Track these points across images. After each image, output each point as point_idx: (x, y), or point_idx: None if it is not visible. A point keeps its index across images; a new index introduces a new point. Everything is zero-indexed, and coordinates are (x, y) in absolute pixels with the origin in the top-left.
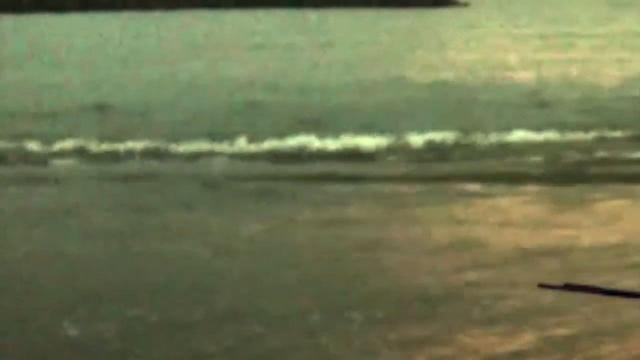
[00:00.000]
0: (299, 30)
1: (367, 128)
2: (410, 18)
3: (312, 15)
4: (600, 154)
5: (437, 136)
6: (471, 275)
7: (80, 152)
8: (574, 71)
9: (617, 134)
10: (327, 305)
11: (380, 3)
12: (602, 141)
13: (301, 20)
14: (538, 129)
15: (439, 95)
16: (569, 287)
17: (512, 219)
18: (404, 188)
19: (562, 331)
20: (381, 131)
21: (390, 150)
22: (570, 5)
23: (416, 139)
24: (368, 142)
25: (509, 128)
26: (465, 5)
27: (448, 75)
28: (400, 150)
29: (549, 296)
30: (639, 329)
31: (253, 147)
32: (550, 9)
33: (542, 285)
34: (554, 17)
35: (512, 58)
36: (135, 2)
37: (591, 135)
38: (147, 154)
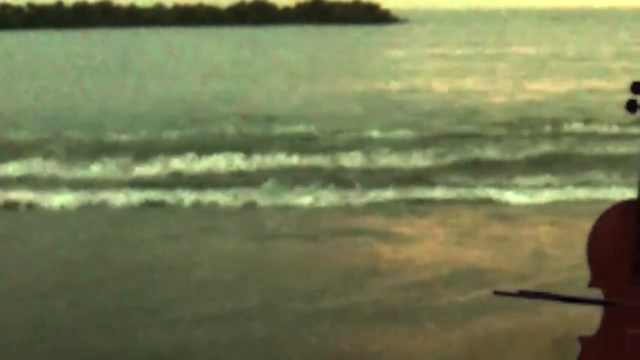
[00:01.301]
0: (243, 47)
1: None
2: (348, 34)
3: (257, 32)
4: None
5: None
6: None
7: None
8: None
9: None
10: None
11: (321, 20)
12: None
13: (245, 37)
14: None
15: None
16: (524, 294)
17: None
18: None
19: None
20: None
21: None
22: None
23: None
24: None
25: None
26: (404, 21)
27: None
28: None
29: None
30: None
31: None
32: (491, 27)
33: (497, 293)
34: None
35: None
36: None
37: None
38: None
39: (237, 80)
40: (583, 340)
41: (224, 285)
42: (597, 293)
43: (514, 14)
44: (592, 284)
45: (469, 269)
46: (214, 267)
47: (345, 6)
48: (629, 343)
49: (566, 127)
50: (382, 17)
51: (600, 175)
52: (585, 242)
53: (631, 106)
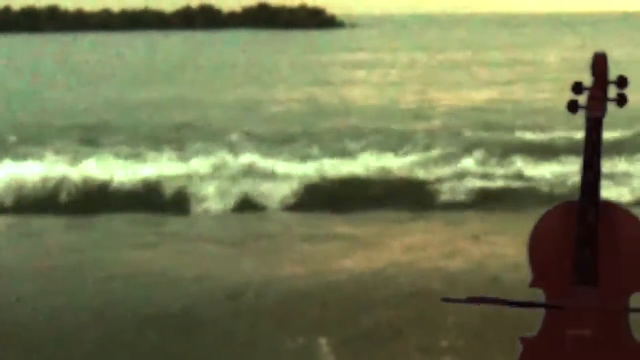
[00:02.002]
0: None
1: None
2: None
3: (201, 37)
4: None
5: None
6: None
7: None
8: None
9: None
10: None
11: (267, 24)
12: None
13: (192, 41)
14: None
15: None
16: (472, 300)
17: None
18: None
19: None
20: None
21: None
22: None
23: None
24: None
25: None
26: (350, 26)
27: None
28: None
29: None
30: None
31: None
32: (437, 33)
33: (445, 299)
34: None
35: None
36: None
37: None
38: None
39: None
40: (524, 340)
41: None
42: (538, 293)
43: (466, 19)
44: (533, 284)
45: None
46: None
47: (291, 11)
48: (569, 344)
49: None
50: (327, 22)
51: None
52: (527, 243)
53: (572, 106)
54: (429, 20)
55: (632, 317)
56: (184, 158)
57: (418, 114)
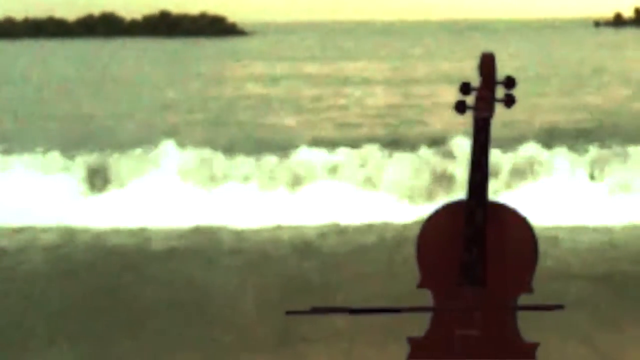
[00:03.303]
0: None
1: None
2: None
3: (104, 45)
4: None
5: None
6: None
7: None
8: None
9: None
10: None
11: (168, 32)
12: None
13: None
14: None
15: None
16: (317, 310)
17: None
18: None
19: None
20: None
21: None
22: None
23: None
24: None
25: None
26: (250, 34)
27: None
28: None
29: None
30: None
31: None
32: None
33: (290, 312)
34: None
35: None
36: None
37: None
38: None
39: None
40: (412, 340)
41: None
42: (426, 293)
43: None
44: (421, 284)
45: None
46: None
47: (192, 19)
48: (458, 344)
49: None
50: (228, 30)
51: None
52: (414, 244)
53: (460, 107)
54: (328, 28)
55: (521, 316)
56: None
57: None
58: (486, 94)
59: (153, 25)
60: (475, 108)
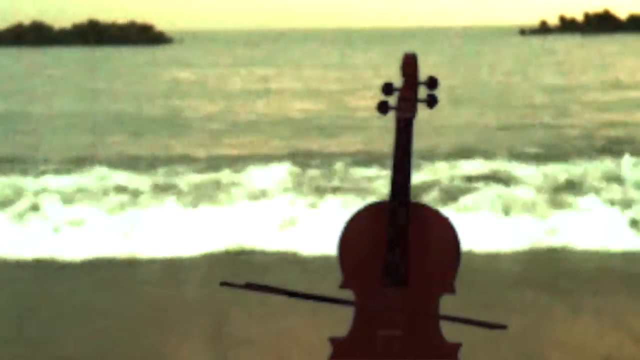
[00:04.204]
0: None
1: None
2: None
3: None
4: None
5: None
6: None
7: None
8: None
9: None
10: None
11: (97, 40)
12: None
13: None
14: None
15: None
16: (251, 287)
17: None
18: None
19: None
20: None
21: None
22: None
23: None
24: None
25: None
26: (178, 42)
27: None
28: None
29: None
30: None
31: None
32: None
33: (224, 284)
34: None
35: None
36: None
37: None
38: None
39: None
40: (334, 341)
41: None
42: (348, 294)
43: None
44: (343, 285)
45: None
46: None
47: (121, 27)
48: (380, 344)
49: None
50: (156, 38)
51: None
52: (336, 244)
53: (383, 107)
54: (258, 36)
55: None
56: None
57: None
58: (408, 95)
59: (81, 34)
60: (398, 108)
